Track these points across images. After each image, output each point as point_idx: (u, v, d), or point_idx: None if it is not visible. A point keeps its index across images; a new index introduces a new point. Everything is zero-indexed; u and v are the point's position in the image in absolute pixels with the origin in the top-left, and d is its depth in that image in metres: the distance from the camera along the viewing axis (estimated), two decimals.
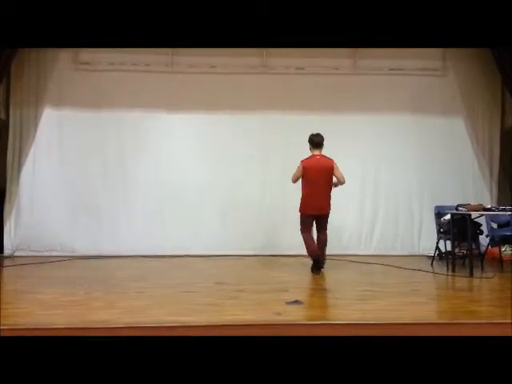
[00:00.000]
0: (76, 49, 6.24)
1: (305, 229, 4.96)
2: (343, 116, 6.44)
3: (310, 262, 5.01)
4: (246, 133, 6.41)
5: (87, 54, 6.33)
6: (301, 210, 4.96)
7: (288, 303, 3.50)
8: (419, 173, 6.53)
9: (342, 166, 5.05)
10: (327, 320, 3.23)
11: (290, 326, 2.90)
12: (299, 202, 4.99)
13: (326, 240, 4.99)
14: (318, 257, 4.85)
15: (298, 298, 3.69)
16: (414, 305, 3.52)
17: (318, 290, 4.16)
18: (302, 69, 6.49)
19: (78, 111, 6.37)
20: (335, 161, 4.99)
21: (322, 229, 4.98)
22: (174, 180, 6.35)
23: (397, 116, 6.53)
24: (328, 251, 5.17)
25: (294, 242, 5.65)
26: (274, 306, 3.40)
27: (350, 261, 5.72)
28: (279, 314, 3.19)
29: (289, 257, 5.94)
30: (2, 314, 3.28)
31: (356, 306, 3.48)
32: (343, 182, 4.97)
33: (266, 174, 6.39)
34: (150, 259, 5.94)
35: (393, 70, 6.50)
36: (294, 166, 5.04)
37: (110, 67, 6.37)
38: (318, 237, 5.04)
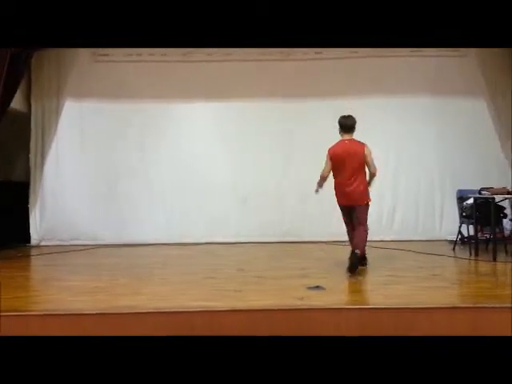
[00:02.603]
0: None
1: (344, 221, 4.44)
2: (362, 100, 6.31)
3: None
4: (267, 120, 6.39)
5: None
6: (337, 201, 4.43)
7: (309, 288, 3.53)
8: (440, 156, 6.41)
9: None
10: (350, 305, 3.25)
11: (313, 310, 2.93)
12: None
13: (360, 237, 4.26)
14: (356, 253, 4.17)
15: (320, 283, 3.71)
16: (436, 289, 3.50)
17: (340, 275, 4.17)
18: (320, 53, 6.40)
19: (98, 102, 6.46)
20: (368, 146, 4.27)
21: (357, 224, 4.28)
22: (195, 168, 6.41)
23: (416, 98, 6.40)
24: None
25: (314, 229, 5.65)
26: (296, 292, 3.43)
27: (371, 246, 5.69)
28: (301, 298, 3.22)
29: (309, 243, 5.96)
30: (32, 301, 3.42)
31: (378, 291, 3.48)
32: (373, 173, 4.27)
33: (287, 160, 6.37)
34: (172, 247, 6.04)
35: (412, 51, 6.35)
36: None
37: (127, 58, 6.41)
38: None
